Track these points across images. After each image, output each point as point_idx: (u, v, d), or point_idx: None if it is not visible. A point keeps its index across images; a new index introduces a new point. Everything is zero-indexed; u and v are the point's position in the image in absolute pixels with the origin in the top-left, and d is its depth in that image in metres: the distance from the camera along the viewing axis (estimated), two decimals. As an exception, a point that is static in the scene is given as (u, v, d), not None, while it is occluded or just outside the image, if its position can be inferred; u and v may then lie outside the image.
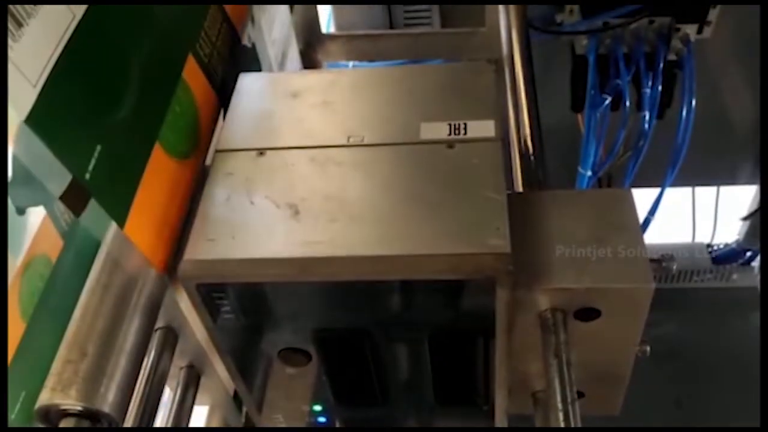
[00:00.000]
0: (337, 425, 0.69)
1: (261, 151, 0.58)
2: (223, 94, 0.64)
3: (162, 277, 0.52)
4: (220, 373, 0.64)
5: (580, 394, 0.59)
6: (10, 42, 0.39)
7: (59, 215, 0.52)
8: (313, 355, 0.59)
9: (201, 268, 0.51)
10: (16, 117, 0.39)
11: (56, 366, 0.47)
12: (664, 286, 1.43)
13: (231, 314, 0.55)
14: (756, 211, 1.37)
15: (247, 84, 0.65)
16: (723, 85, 1.21)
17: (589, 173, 1.09)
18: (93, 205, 0.45)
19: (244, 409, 0.70)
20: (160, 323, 0.57)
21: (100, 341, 0.48)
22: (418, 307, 0.54)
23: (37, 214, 0.51)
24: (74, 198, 0.44)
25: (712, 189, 1.44)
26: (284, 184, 0.56)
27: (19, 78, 0.39)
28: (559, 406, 0.50)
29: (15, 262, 0.48)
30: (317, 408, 0.67)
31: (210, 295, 0.53)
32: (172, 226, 0.54)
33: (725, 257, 1.48)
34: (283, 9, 0.84)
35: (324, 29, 0.99)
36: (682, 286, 1.47)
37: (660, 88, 1.06)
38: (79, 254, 0.52)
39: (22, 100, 0.39)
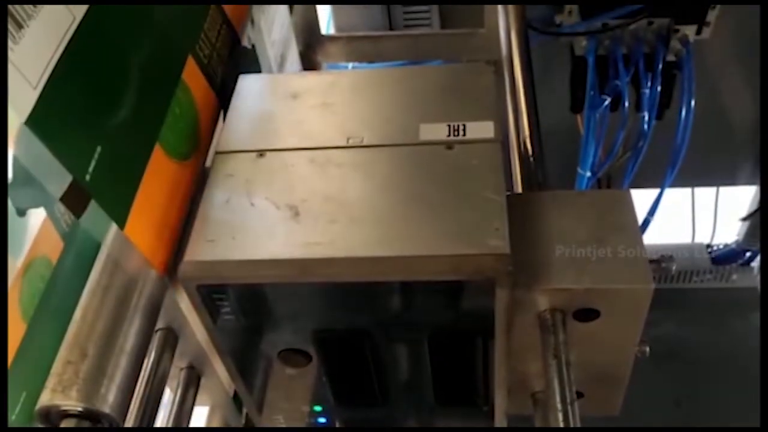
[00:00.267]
0: (337, 425, 0.69)
1: (261, 153, 0.58)
2: (223, 96, 0.64)
3: (162, 278, 0.52)
4: (220, 373, 0.64)
5: (580, 395, 0.59)
6: (10, 44, 0.39)
7: (59, 217, 0.52)
8: (313, 356, 0.59)
9: (201, 270, 0.52)
10: (16, 118, 0.39)
11: (57, 367, 0.47)
12: (663, 287, 1.43)
13: (231, 315, 0.55)
14: (755, 211, 1.37)
15: (247, 85, 0.65)
16: (722, 86, 1.21)
17: (589, 174, 1.09)
18: (93, 207, 0.45)
19: (244, 409, 0.70)
20: (160, 324, 0.57)
21: (100, 342, 0.48)
22: (418, 308, 0.54)
23: (37, 216, 0.51)
24: (74, 199, 0.44)
25: (712, 189, 1.44)
26: (284, 185, 0.56)
27: (19, 79, 0.39)
28: (559, 406, 0.50)
29: (15, 264, 0.48)
30: (317, 408, 0.67)
31: (210, 296, 0.53)
32: (172, 227, 0.54)
33: (725, 257, 1.48)
34: (283, 10, 0.84)
35: (323, 30, 0.99)
36: (682, 286, 1.47)
37: (659, 88, 1.06)
38: (79, 256, 0.52)
39: (22, 101, 0.40)
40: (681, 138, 1.07)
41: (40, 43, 0.41)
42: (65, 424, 0.46)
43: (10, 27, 0.39)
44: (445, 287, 0.51)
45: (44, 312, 0.49)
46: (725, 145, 1.31)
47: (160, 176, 0.53)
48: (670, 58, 1.08)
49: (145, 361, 0.54)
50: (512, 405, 0.64)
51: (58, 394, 0.46)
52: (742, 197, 1.43)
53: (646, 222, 1.15)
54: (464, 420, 0.68)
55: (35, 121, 0.40)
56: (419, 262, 0.50)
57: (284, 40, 0.85)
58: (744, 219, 1.41)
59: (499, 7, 0.87)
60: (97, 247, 0.53)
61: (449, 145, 0.57)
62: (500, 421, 0.64)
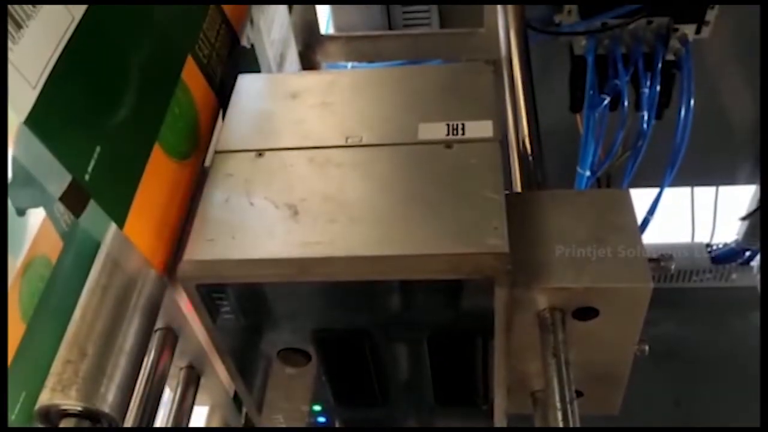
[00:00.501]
0: (337, 425, 0.69)
1: (260, 152, 0.58)
2: (222, 95, 0.64)
3: (161, 278, 0.52)
4: (219, 373, 0.64)
5: (579, 394, 0.59)
6: (9, 44, 0.39)
7: (59, 216, 0.52)
8: (313, 356, 0.59)
9: (201, 269, 0.52)
10: (15, 118, 0.40)
11: (56, 366, 0.47)
12: (663, 286, 1.44)
13: (231, 314, 0.55)
14: (755, 210, 1.38)
15: (246, 85, 0.65)
16: (721, 85, 1.21)
17: (588, 173, 1.09)
18: (92, 206, 0.45)
19: (244, 409, 0.70)
20: (159, 324, 0.57)
21: (100, 341, 0.48)
22: (417, 307, 0.54)
23: (36, 216, 0.51)
24: (74, 199, 0.44)
25: (711, 189, 1.44)
26: (283, 184, 0.56)
27: (18, 79, 0.40)
28: (558, 405, 0.50)
29: (15, 263, 0.48)
30: (317, 408, 0.67)
31: (210, 296, 0.53)
32: (172, 226, 0.54)
33: (724, 257, 1.48)
34: (282, 10, 0.85)
35: (323, 30, 0.99)
36: (681, 285, 1.47)
37: (658, 88, 1.06)
38: (78, 255, 0.52)
39: (21, 101, 0.40)
40: (680, 137, 1.07)
41: (39, 43, 0.41)
42: (65, 423, 0.46)
43: (10, 27, 0.39)
44: (445, 286, 0.51)
45: (44, 312, 0.49)
46: (725, 145, 1.31)
47: (159, 176, 0.53)
48: (670, 57, 1.08)
49: (145, 361, 0.54)
50: (512, 404, 0.64)
51: (58, 393, 0.46)
52: (742, 196, 1.43)
53: (646, 221, 1.15)
54: (464, 420, 0.68)
55: (35, 120, 0.40)
56: (418, 261, 0.50)
57: (283, 39, 0.85)
58: (743, 218, 1.41)
59: (499, 7, 0.87)
60: (97, 247, 0.53)
61: (448, 145, 0.57)
62: (500, 420, 0.64)
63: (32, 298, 0.49)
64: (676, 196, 1.32)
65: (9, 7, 0.39)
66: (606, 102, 1.04)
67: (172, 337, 0.59)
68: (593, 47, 1.06)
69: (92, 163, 0.45)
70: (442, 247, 0.50)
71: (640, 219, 1.11)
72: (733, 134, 1.30)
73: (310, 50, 0.96)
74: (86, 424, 0.46)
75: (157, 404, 0.57)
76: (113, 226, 0.47)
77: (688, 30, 1.06)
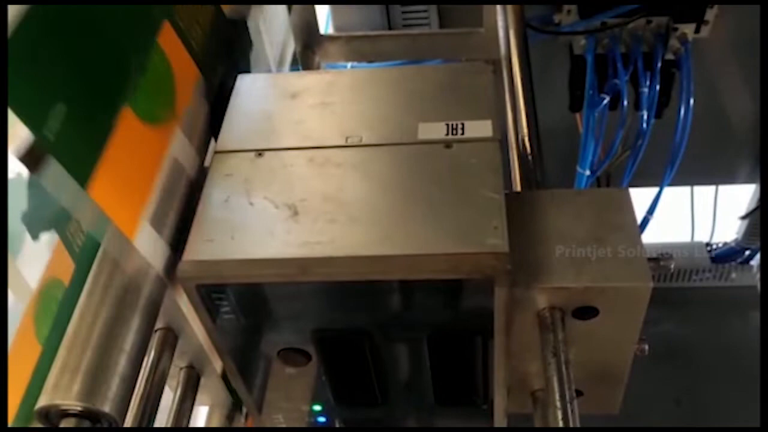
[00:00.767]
0: (337, 425, 0.69)
1: (260, 152, 0.58)
2: (205, 65, 0.62)
3: (161, 278, 0.52)
4: (219, 373, 0.64)
5: (579, 393, 0.59)
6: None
7: (71, 239, 0.52)
8: (313, 355, 0.59)
9: (200, 269, 0.52)
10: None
11: (56, 366, 0.47)
12: (663, 285, 1.44)
13: (230, 314, 0.55)
14: (755, 209, 1.38)
15: (246, 85, 0.65)
16: (721, 84, 1.21)
17: (588, 173, 1.09)
18: (54, 166, 0.43)
19: (244, 409, 0.70)
20: (159, 324, 0.57)
21: (100, 341, 0.48)
22: (417, 307, 0.54)
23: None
24: (32, 156, 0.42)
25: (711, 188, 1.44)
26: (283, 184, 0.56)
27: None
28: (558, 404, 0.50)
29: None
30: (317, 408, 0.67)
31: (209, 296, 0.53)
32: (142, 191, 0.51)
33: (724, 256, 1.48)
34: (282, 10, 0.85)
35: (322, 30, 0.99)
36: (681, 285, 1.48)
37: (658, 87, 1.06)
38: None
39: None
40: (680, 136, 1.07)
41: None
42: (65, 423, 0.46)
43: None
44: (444, 286, 0.51)
45: (58, 333, 0.49)
46: (724, 144, 1.31)
47: (129, 138, 0.50)
48: (669, 56, 1.08)
49: (145, 361, 0.54)
50: (512, 403, 0.64)
51: (58, 393, 0.46)
52: (741, 196, 1.43)
53: (646, 221, 1.15)
54: (464, 419, 0.68)
55: None
56: (418, 261, 0.50)
57: (283, 40, 0.85)
58: (743, 217, 1.41)
59: (498, 7, 0.87)
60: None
61: (448, 144, 0.57)
62: (500, 420, 0.64)
63: (47, 320, 0.49)
64: (675, 196, 1.32)
65: None
66: (605, 101, 1.05)
67: (172, 338, 0.59)
68: (593, 47, 1.06)
69: (53, 118, 0.42)
70: (441, 246, 0.50)
71: (639, 218, 1.12)
72: (732, 133, 1.30)
73: (310, 50, 0.96)
74: (86, 424, 0.46)
75: (157, 404, 0.57)
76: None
77: (688, 29, 1.07)
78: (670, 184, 1.13)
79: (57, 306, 0.50)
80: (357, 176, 0.56)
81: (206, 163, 0.60)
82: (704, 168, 1.32)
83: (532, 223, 0.56)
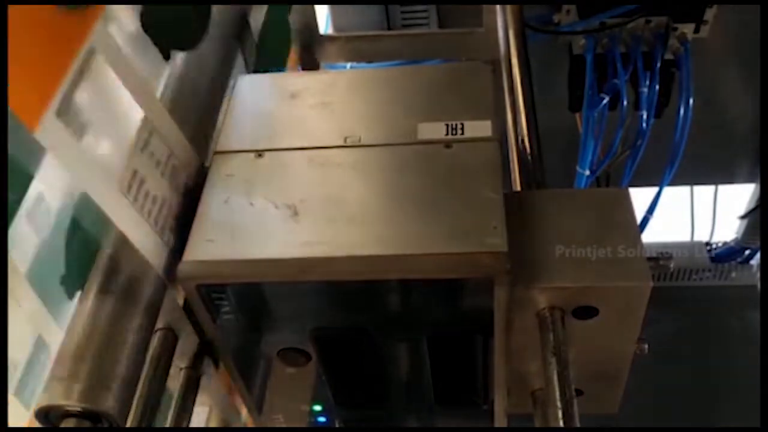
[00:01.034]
0: (337, 425, 0.69)
1: (260, 153, 0.58)
2: None
3: (161, 278, 0.52)
4: (220, 373, 0.64)
5: (579, 392, 0.59)
6: None
7: None
8: (313, 355, 0.59)
9: (201, 269, 0.52)
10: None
11: (57, 366, 0.47)
12: (663, 285, 1.44)
13: (231, 314, 0.55)
14: (754, 209, 1.38)
15: (246, 85, 0.65)
16: (720, 84, 1.21)
17: (588, 172, 1.09)
18: None
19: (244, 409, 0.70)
20: (160, 324, 0.57)
21: (100, 342, 0.48)
22: (417, 307, 0.54)
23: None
24: None
25: (711, 187, 1.44)
26: (283, 185, 0.56)
27: None
28: (558, 404, 0.50)
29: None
30: (317, 408, 0.67)
31: (210, 296, 0.53)
32: (51, 77, 0.44)
33: (724, 255, 1.48)
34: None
35: (322, 30, 0.99)
36: (681, 284, 1.47)
37: (657, 87, 1.06)
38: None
39: None
40: (679, 136, 1.07)
41: None
42: (65, 423, 0.46)
43: None
44: (444, 285, 0.51)
45: None
46: (724, 143, 1.31)
47: (34, 23, 0.43)
48: (669, 56, 1.08)
49: (146, 361, 0.54)
50: (512, 403, 0.64)
51: (59, 393, 0.46)
52: (741, 195, 1.43)
53: (645, 220, 1.15)
54: (464, 419, 0.68)
55: None
56: (418, 261, 0.50)
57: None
58: (743, 217, 1.41)
59: (497, 7, 0.87)
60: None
61: (447, 144, 0.57)
62: (500, 419, 0.64)
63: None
64: (675, 195, 1.33)
65: None
66: (605, 101, 1.05)
67: (172, 338, 0.59)
68: (592, 47, 1.06)
69: None
70: (441, 246, 0.50)
71: (639, 218, 1.12)
72: (732, 133, 1.30)
73: (310, 50, 0.96)
74: (87, 424, 0.46)
75: (158, 404, 0.57)
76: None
77: (687, 29, 1.07)
78: (670, 184, 1.13)
79: None
80: (356, 176, 0.56)
81: (206, 164, 0.60)
82: (704, 167, 1.32)
83: (532, 223, 0.56)
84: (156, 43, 0.58)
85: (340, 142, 0.58)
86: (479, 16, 0.92)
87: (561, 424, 0.50)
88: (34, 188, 0.48)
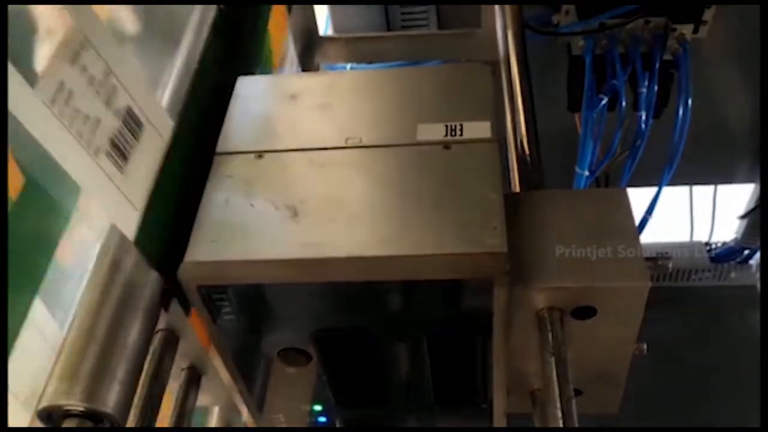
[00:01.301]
0: (337, 425, 0.69)
1: (260, 154, 0.59)
2: None
3: (162, 279, 0.53)
4: (220, 373, 0.64)
5: (578, 392, 0.60)
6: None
7: None
8: (313, 355, 0.59)
9: (201, 270, 0.52)
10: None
11: (58, 367, 0.47)
12: (662, 285, 1.44)
13: (231, 315, 0.55)
14: (754, 209, 1.38)
15: (246, 86, 0.65)
16: (719, 84, 1.21)
17: (587, 173, 1.09)
18: None
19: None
20: (161, 325, 0.57)
21: (101, 342, 0.48)
22: (417, 307, 0.54)
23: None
24: None
25: (710, 187, 1.44)
26: (283, 186, 0.56)
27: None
28: (557, 404, 0.50)
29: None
30: (317, 408, 0.67)
31: (210, 297, 0.53)
32: None
33: (723, 255, 1.48)
34: (281, 12, 0.85)
35: (322, 32, 1.00)
36: (680, 284, 1.48)
37: (656, 87, 1.06)
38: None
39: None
40: (678, 136, 1.08)
41: None
42: (67, 424, 0.46)
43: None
44: (444, 286, 0.51)
45: None
46: (723, 143, 1.32)
47: None
48: (667, 57, 1.08)
49: (146, 361, 0.54)
50: (511, 403, 0.64)
51: (60, 394, 0.46)
52: (740, 195, 1.43)
53: (645, 220, 1.15)
54: (464, 419, 0.68)
55: None
56: (417, 262, 0.50)
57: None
58: (742, 217, 1.41)
59: (497, 8, 0.87)
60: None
61: (447, 145, 0.57)
62: (499, 419, 0.64)
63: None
64: (674, 195, 1.33)
65: None
66: (604, 102, 1.05)
67: (173, 338, 0.59)
68: (591, 47, 1.06)
69: None
70: (441, 247, 0.50)
71: (638, 218, 1.12)
72: (731, 133, 1.31)
73: (309, 52, 0.97)
74: (88, 424, 0.46)
75: (159, 405, 0.57)
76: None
77: (686, 30, 1.07)
78: (669, 184, 1.13)
79: None
80: (357, 177, 0.56)
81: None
82: (703, 168, 1.32)
83: (531, 224, 0.56)
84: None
85: (341, 143, 0.58)
86: (478, 16, 0.92)
87: (560, 423, 0.50)
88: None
